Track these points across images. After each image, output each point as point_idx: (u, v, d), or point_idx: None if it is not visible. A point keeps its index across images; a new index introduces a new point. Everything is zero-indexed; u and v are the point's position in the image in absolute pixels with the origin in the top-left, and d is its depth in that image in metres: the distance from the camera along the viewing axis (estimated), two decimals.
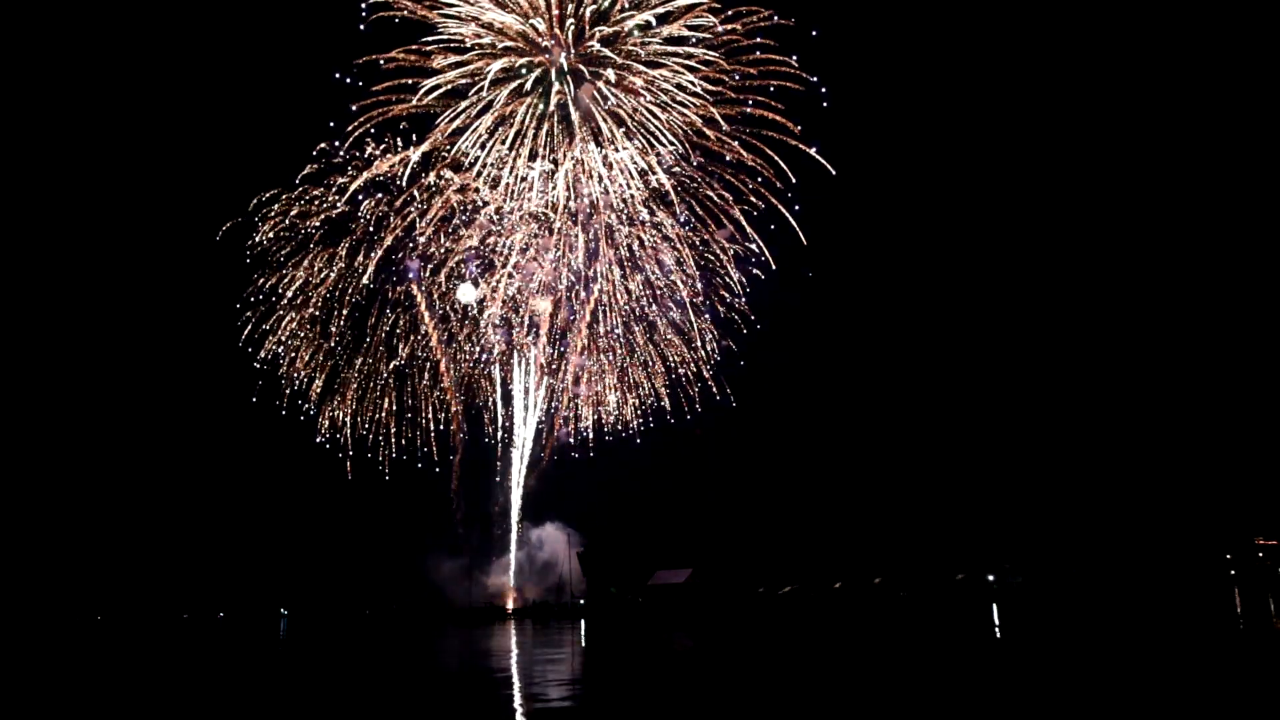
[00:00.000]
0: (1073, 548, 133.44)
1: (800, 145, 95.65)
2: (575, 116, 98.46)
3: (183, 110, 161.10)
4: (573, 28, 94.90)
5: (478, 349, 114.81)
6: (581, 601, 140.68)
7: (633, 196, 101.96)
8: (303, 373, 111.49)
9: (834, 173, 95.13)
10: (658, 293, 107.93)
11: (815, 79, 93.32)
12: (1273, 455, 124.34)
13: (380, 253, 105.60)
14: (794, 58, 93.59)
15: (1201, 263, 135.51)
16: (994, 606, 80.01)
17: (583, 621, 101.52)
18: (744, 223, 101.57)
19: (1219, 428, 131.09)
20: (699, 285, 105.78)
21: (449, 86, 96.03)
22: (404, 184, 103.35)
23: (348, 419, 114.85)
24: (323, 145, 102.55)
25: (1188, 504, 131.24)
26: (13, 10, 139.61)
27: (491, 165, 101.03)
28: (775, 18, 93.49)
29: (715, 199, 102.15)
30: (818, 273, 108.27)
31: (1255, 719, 19.12)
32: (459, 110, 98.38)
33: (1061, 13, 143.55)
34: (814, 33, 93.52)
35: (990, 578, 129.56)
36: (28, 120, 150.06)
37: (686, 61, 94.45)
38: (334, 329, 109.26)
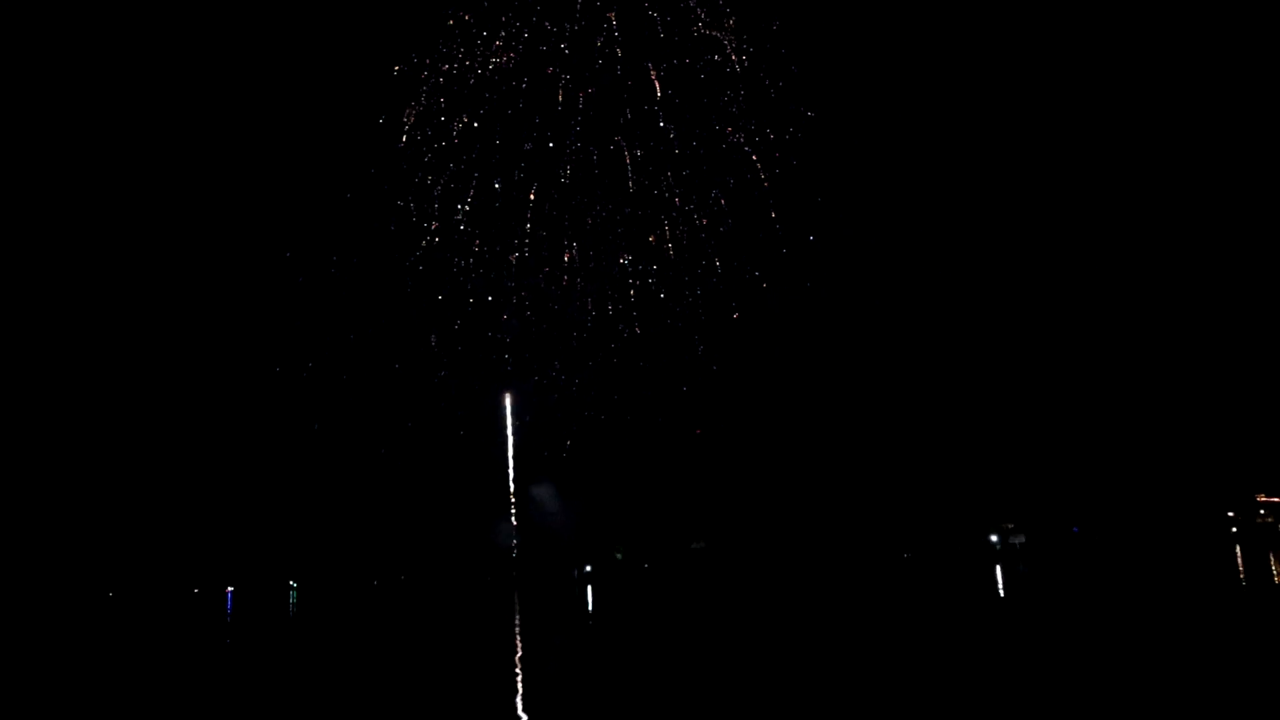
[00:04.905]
0: (1075, 507, 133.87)
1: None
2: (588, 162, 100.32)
3: (222, 149, 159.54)
4: (595, 64, 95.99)
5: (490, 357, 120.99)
6: (588, 569, 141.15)
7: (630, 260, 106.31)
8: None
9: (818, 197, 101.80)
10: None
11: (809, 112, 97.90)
12: (1274, 411, 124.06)
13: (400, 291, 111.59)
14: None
15: (1200, 227, 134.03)
16: (997, 568, 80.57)
17: (589, 589, 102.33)
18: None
19: (1220, 384, 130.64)
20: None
21: (471, 126, 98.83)
22: (424, 227, 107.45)
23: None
24: (347, 194, 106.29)
25: (1189, 461, 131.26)
26: (72, 79, 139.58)
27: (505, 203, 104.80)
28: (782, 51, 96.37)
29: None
30: (814, 239, 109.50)
31: (1254, 675, 19.19)
32: (478, 151, 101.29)
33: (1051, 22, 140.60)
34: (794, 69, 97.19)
35: (993, 538, 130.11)
36: (95, 166, 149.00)
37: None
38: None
